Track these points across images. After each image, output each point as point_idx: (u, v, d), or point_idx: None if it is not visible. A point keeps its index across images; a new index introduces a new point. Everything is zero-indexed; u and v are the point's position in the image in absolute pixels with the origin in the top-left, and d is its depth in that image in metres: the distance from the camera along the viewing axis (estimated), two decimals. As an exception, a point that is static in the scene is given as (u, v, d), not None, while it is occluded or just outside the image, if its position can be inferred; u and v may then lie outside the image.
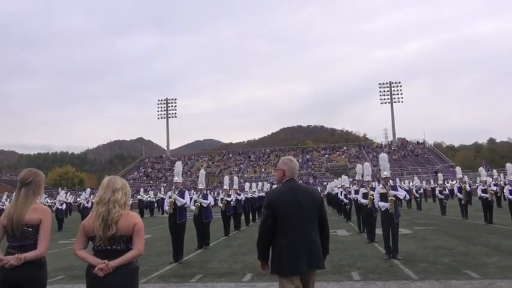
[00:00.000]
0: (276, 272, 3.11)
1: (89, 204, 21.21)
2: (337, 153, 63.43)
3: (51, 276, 3.17)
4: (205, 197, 10.64)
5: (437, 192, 19.29)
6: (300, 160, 61.04)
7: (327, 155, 62.75)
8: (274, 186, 31.46)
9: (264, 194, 21.59)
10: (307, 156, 62.73)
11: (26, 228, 2.90)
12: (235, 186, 15.42)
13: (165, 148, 75.41)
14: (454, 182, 22.91)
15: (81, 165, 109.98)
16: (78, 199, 29.77)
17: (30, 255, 2.83)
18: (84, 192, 27.46)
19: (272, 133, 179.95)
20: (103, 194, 2.84)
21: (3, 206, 17.54)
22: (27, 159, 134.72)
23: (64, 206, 20.05)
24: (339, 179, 25.16)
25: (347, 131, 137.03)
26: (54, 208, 19.66)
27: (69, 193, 32.08)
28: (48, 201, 32.34)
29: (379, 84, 64.26)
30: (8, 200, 20.54)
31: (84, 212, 20.84)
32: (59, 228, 17.67)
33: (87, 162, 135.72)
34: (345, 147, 66.59)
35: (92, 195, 24.70)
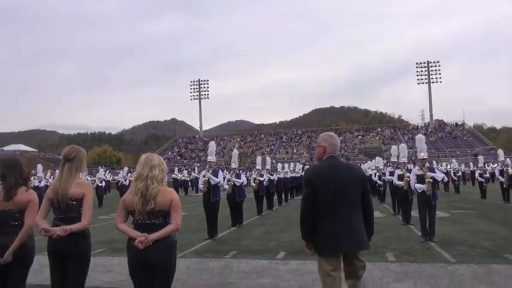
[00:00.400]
0: (316, 251, 3.06)
1: (127, 182, 21.98)
2: (371, 134, 62.15)
3: (93, 248, 3.32)
4: (238, 176, 10.75)
5: (477, 175, 18.56)
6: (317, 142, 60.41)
7: (360, 137, 61.64)
8: (307, 166, 31.32)
9: (296, 175, 21.60)
10: (340, 138, 61.47)
11: (70, 202, 3.03)
12: (268, 167, 15.47)
13: (198, 129, 76.49)
14: (496, 165, 21.97)
15: (118, 145, 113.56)
16: (116, 177, 30.89)
17: (75, 227, 2.97)
18: (121, 171, 28.47)
19: (304, 114, 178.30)
20: (141, 171, 2.92)
21: (47, 182, 18.45)
22: (68, 138, 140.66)
23: (103, 184, 20.87)
24: (373, 160, 24.68)
25: (381, 112, 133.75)
26: (94, 185, 20.49)
27: (107, 171, 33.31)
28: (88, 178, 33.77)
29: (416, 64, 61.92)
30: (52, 177, 21.58)
31: (122, 189, 21.64)
32: (99, 205, 18.44)
33: (124, 142, 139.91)
34: (379, 129, 65.08)
35: (129, 174, 25.56)
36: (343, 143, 58.73)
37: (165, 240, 2.82)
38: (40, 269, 4.86)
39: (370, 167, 21.83)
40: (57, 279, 3.09)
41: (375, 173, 17.12)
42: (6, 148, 78.72)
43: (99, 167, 31.21)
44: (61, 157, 3.21)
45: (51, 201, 3.09)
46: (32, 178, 19.25)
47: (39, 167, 18.96)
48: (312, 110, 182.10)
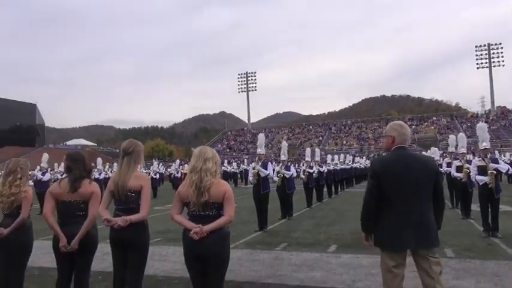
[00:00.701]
0: (378, 245, 2.96)
1: (179, 175, 22.72)
2: (426, 124, 59.38)
3: (150, 238, 3.45)
4: (287, 168, 10.73)
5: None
6: (385, 131, 58.46)
7: (414, 126, 59.06)
8: (357, 158, 30.59)
9: (346, 167, 21.17)
10: (392, 128, 59.71)
11: (130, 194, 3.18)
12: (317, 159, 15.28)
13: (246, 121, 77.13)
14: None
15: (170, 138, 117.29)
16: (168, 170, 31.98)
17: (134, 217, 3.12)
18: (174, 164, 29.43)
19: (353, 104, 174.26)
20: (195, 163, 2.98)
21: (106, 174, 19.56)
22: (124, 133, 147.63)
23: (157, 176, 21.71)
24: (428, 151, 23.61)
25: (436, 100, 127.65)
26: (149, 178, 21.43)
27: (160, 164, 34.61)
28: (143, 171, 35.33)
29: (476, 47, 58.01)
30: (110, 169, 22.83)
31: (174, 181, 22.40)
32: (153, 196, 19.22)
33: (175, 135, 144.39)
34: (434, 118, 61.98)
35: (180, 166, 26.39)
36: (395, 133, 56.68)
37: (219, 231, 2.88)
38: (102, 256, 5.17)
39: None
40: (119, 266, 3.27)
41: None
42: (68, 143, 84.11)
43: (153, 160, 32.47)
44: (120, 151, 3.36)
45: (112, 193, 3.26)
46: (92, 171, 20.59)
47: (99, 160, 20.09)
48: (362, 100, 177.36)
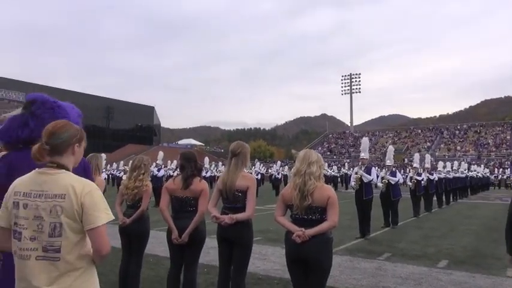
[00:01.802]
0: None
1: (279, 176, 23.09)
2: (562, 129, 51.16)
3: None
4: (393, 174, 10.19)
5: None
6: (509, 137, 51.81)
7: (546, 132, 51.34)
8: (474, 166, 27.60)
9: (460, 175, 19.27)
10: (518, 133, 52.61)
11: (237, 193, 3.33)
12: (427, 165, 14.19)
13: (349, 124, 75.20)
14: None
15: (271, 140, 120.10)
16: (269, 170, 32.71)
17: (240, 216, 3.26)
18: (274, 164, 30.01)
19: (470, 106, 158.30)
20: (299, 166, 2.99)
21: (212, 173, 20.81)
22: (228, 134, 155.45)
23: (259, 176, 22.34)
24: None
25: None
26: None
27: (261, 164, 35.60)
28: (245, 171, 36.65)
29: None
30: (216, 168, 24.19)
31: (275, 182, 22.78)
32: (255, 195, 19.86)
33: (277, 137, 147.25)
34: None
35: (281, 167, 26.81)
36: (521, 139, 49.89)
37: (322, 236, 2.85)
38: (207, 250, 5.48)
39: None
40: (224, 261, 3.44)
41: None
42: (180, 142, 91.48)
43: (256, 160, 33.55)
44: (229, 152, 3.55)
45: (220, 192, 3.45)
46: (202, 170, 22.12)
47: (206, 159, 21.49)
48: (480, 102, 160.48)
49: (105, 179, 17.30)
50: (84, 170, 2.37)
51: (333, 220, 2.86)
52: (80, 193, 1.68)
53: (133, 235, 4.07)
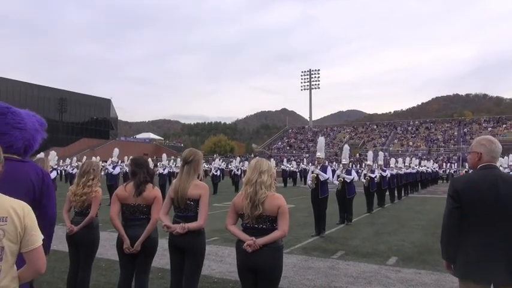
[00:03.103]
0: (459, 275, 2.65)
1: (239, 172, 23.11)
2: (504, 126, 54.73)
3: (207, 236, 3.55)
4: (348, 173, 10.48)
5: None
6: (456, 134, 54.83)
7: (490, 128, 54.73)
8: (424, 161, 29.03)
9: (412, 171, 20.17)
10: (465, 130, 55.82)
11: (189, 202, 3.29)
12: (380, 162, 14.74)
13: (308, 119, 76.53)
14: None
15: (232, 134, 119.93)
16: (229, 166, 32.70)
17: (192, 225, 3.23)
18: (234, 160, 30.03)
19: (422, 103, 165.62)
20: (250, 176, 3.00)
21: (170, 169, 20.47)
22: (188, 128, 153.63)
23: (219, 172, 22.23)
24: (505, 157, 21.78)
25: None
26: (211, 174, 22.02)
27: (221, 159, 35.50)
28: (205, 165, 36.45)
29: None
30: (175, 163, 23.85)
31: (235, 178, 22.78)
32: (214, 192, 19.74)
33: (237, 131, 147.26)
34: (514, 119, 56.93)
35: (241, 163, 26.87)
36: (468, 135, 52.98)
37: (272, 245, 2.87)
38: (162, 252, 5.36)
39: (501, 165, 19.30)
40: (176, 270, 3.40)
41: (509, 172, 15.09)
42: (138, 136, 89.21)
43: (215, 156, 33.42)
44: (181, 159, 3.49)
45: (172, 200, 3.40)
46: (158, 165, 21.61)
47: (164, 156, 21.07)
48: (432, 99, 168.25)
49: (55, 176, 16.55)
50: (43, 181, 2.23)
51: (283, 229, 2.90)
52: (21, 215, 1.66)
53: (82, 243, 3.92)
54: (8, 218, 1.63)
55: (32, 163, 2.33)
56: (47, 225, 2.23)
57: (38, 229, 1.71)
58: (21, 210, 1.67)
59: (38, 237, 1.69)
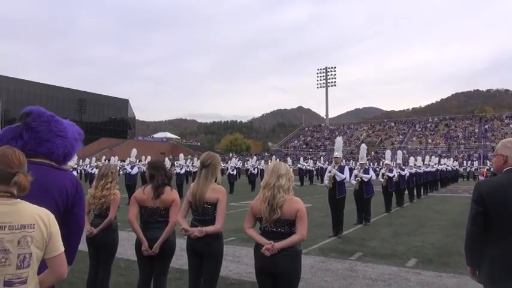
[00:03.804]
0: (484, 282, 2.56)
1: (255, 171, 23.11)
2: (527, 122, 53.26)
3: (224, 237, 3.54)
4: (366, 172, 10.36)
5: None
6: (477, 130, 53.58)
7: (512, 125, 53.38)
8: (444, 159, 28.46)
9: (431, 169, 19.81)
10: (486, 126, 54.46)
11: (206, 206, 3.30)
12: (399, 161, 14.52)
13: (324, 117, 75.98)
14: None
15: (248, 133, 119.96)
16: (246, 164, 32.77)
17: (210, 229, 3.23)
18: (250, 159, 30.10)
19: (441, 99, 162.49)
20: (269, 179, 2.98)
21: (187, 168, 20.60)
22: (204, 126, 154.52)
23: (235, 172, 22.28)
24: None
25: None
26: (227, 173, 22.08)
27: (238, 158, 35.60)
28: (222, 164, 36.58)
29: None
30: (191, 163, 23.99)
31: (251, 177, 22.78)
32: (230, 191, 19.78)
33: (253, 130, 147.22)
34: (538, 115, 55.35)
35: (257, 162, 26.89)
36: (489, 132, 51.74)
37: (291, 249, 2.86)
38: (180, 253, 5.38)
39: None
40: (194, 273, 3.41)
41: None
42: (155, 135, 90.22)
43: (231, 155, 33.53)
44: (199, 163, 3.50)
45: (190, 203, 3.41)
46: (175, 164, 21.78)
47: (181, 155, 21.21)
48: (452, 95, 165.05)
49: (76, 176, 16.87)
50: (76, 191, 2.24)
51: (301, 233, 2.87)
52: (47, 223, 1.72)
53: (101, 245, 3.98)
54: (36, 225, 1.68)
55: (68, 172, 2.35)
56: (76, 233, 2.27)
57: (60, 236, 1.77)
58: (46, 218, 1.72)
59: (61, 243, 1.76)
